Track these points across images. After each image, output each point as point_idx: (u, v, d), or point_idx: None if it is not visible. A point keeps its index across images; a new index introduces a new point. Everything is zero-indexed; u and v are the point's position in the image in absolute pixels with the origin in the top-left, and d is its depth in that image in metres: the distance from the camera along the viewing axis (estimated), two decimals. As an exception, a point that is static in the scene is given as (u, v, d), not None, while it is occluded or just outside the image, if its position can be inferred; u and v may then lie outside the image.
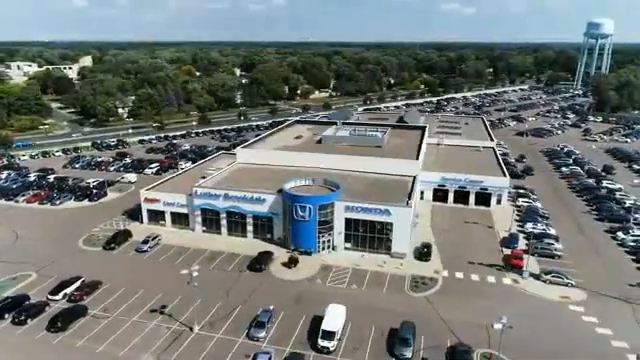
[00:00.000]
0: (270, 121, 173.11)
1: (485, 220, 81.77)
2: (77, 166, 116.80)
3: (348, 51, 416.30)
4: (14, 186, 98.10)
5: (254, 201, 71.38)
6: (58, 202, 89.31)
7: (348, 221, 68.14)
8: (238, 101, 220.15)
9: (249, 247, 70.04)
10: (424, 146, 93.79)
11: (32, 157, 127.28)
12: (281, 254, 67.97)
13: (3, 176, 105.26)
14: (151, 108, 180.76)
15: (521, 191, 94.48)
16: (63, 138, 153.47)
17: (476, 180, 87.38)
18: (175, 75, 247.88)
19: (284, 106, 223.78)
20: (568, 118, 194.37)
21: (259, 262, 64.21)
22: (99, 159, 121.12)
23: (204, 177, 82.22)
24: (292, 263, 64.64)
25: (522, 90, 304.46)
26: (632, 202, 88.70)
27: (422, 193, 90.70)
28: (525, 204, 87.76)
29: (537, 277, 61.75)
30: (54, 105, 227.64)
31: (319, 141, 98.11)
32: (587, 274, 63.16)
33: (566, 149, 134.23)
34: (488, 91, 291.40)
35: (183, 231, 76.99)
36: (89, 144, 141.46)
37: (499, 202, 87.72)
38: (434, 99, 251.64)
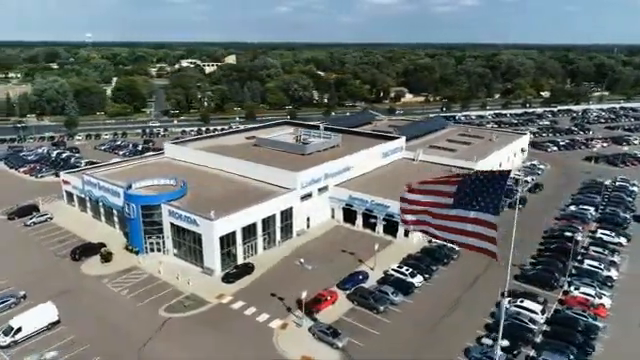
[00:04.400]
0: (316, 122, 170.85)
1: (367, 253, 68.28)
2: (102, 149, 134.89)
3: (507, 52, 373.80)
4: (34, 158, 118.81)
5: (113, 194, 73.54)
6: (39, 175, 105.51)
7: (173, 226, 65.39)
8: (324, 100, 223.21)
9: (106, 238, 72.35)
10: (346, 159, 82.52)
11: (87, 137, 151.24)
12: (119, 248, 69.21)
13: (39, 150, 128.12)
14: (221, 102, 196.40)
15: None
16: (144, 124, 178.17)
17: (381, 204, 73.43)
18: (276, 74, 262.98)
19: (365, 106, 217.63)
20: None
21: (76, 252, 66.30)
22: (121, 144, 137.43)
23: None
24: (103, 259, 65.20)
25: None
26: (593, 264, 63.59)
27: (333, 211, 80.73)
28: (439, 241, 70.54)
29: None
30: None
31: (256, 144, 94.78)
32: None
33: (618, 184, 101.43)
34: (629, 104, 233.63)
35: (83, 214, 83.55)
36: (139, 131, 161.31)
37: (407, 234, 72.23)
38: (540, 110, 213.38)
